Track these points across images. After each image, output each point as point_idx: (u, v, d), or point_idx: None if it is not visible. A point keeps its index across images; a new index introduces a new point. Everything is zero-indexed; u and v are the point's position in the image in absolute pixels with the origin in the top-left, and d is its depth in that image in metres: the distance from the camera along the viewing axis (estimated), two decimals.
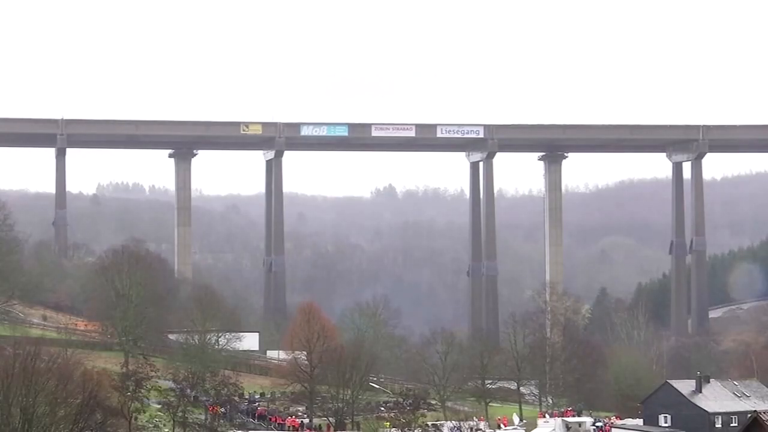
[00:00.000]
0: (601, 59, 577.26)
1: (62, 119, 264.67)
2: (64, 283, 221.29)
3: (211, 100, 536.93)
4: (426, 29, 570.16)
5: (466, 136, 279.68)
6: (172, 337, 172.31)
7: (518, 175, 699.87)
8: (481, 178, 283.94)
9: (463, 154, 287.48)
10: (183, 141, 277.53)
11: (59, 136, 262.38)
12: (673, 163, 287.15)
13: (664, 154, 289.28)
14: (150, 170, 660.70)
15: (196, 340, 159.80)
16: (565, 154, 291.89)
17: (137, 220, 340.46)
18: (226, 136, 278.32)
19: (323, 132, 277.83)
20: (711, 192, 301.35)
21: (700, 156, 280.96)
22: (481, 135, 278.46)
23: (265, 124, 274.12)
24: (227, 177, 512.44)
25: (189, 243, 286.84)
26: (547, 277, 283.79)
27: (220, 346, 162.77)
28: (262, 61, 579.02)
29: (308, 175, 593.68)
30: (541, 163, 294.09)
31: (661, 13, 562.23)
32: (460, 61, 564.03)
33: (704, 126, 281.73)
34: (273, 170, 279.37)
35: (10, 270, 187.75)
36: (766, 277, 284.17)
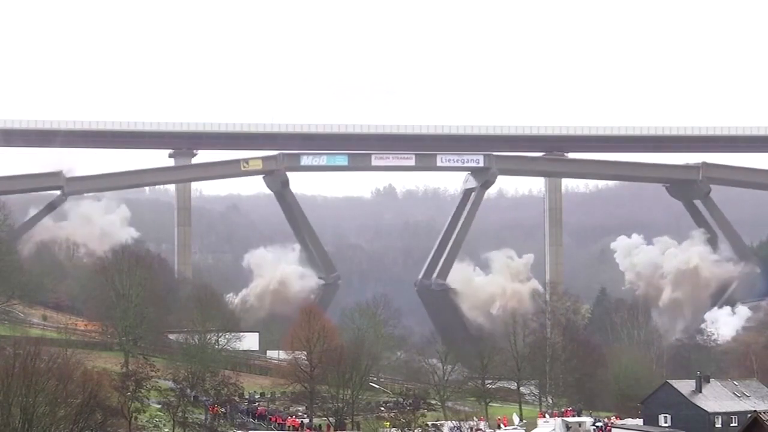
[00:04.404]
0: (601, 60, 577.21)
1: (63, 174, 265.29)
2: (64, 283, 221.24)
3: (210, 100, 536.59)
4: (426, 29, 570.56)
5: (465, 165, 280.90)
6: (172, 337, 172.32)
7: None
8: (468, 204, 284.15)
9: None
10: (183, 180, 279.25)
11: (60, 196, 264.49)
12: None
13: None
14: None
15: (196, 340, 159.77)
16: (565, 154, 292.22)
17: (137, 221, 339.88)
18: (228, 174, 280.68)
19: (323, 162, 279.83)
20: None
21: (704, 195, 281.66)
22: (481, 164, 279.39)
23: (265, 159, 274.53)
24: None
25: (189, 243, 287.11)
26: (547, 277, 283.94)
27: (220, 346, 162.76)
28: (261, 61, 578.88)
29: (308, 175, 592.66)
30: None
31: (661, 13, 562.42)
32: (459, 62, 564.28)
33: (704, 164, 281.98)
34: (287, 199, 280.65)
35: (10, 270, 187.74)
36: (766, 277, 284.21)
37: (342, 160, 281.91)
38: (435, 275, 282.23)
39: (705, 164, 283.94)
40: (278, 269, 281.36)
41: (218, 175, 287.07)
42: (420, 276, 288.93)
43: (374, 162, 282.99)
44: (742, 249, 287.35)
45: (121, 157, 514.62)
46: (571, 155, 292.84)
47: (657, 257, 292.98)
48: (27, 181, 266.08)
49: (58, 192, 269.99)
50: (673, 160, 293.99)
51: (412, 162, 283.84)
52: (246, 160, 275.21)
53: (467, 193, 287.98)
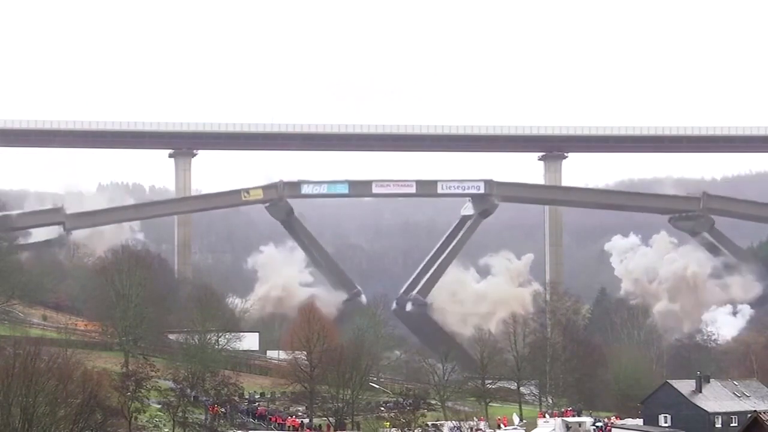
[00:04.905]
0: (601, 60, 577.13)
1: (64, 209, 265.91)
2: (64, 283, 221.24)
3: (210, 100, 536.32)
4: (426, 29, 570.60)
5: (466, 191, 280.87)
6: (172, 337, 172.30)
7: (518, 175, 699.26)
8: (463, 230, 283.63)
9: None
10: (184, 212, 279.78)
11: (61, 232, 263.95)
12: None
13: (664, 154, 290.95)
14: (150, 170, 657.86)
15: (196, 340, 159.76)
16: (565, 154, 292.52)
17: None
18: (228, 204, 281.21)
19: (324, 190, 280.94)
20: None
21: (706, 227, 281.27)
22: (482, 191, 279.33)
23: (265, 188, 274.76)
24: (227, 177, 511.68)
25: (189, 243, 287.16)
26: (547, 277, 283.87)
27: (220, 346, 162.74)
28: (261, 61, 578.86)
29: (308, 175, 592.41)
30: (541, 163, 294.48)
31: (661, 13, 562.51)
32: (460, 62, 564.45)
33: (705, 195, 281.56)
34: (294, 227, 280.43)
35: (10, 270, 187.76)
36: (766, 277, 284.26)
37: (343, 188, 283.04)
38: (416, 291, 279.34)
39: (706, 195, 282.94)
40: (283, 274, 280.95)
41: (219, 206, 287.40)
42: (401, 291, 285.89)
43: (375, 190, 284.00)
44: (754, 267, 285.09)
45: (121, 157, 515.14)
46: (571, 155, 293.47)
47: (654, 261, 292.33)
48: (28, 218, 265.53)
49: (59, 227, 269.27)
50: (673, 160, 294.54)
51: (412, 189, 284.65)
52: (246, 190, 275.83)
53: (464, 219, 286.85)
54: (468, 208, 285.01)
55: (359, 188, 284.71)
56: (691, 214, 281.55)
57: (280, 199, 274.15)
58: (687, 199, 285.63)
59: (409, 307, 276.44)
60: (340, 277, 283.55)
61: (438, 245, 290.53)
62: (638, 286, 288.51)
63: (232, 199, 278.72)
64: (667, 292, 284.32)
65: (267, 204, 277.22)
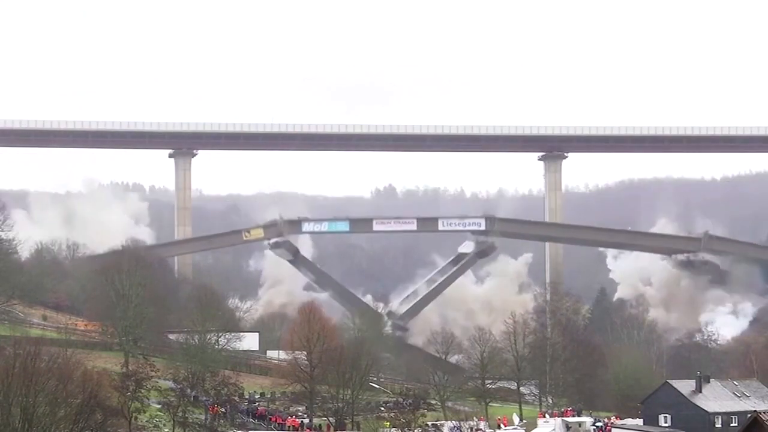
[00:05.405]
0: (601, 60, 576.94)
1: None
2: (64, 283, 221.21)
3: (210, 100, 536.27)
4: (426, 29, 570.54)
5: (467, 228, 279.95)
6: (172, 337, 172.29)
7: (518, 175, 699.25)
8: (458, 265, 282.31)
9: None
10: (185, 253, 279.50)
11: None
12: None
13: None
14: (150, 170, 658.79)
15: (196, 340, 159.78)
16: (565, 154, 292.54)
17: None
18: (229, 243, 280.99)
19: (324, 228, 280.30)
20: (711, 191, 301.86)
21: (718, 276, 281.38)
22: (483, 227, 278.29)
23: (266, 228, 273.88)
24: (227, 177, 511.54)
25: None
26: (547, 277, 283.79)
27: (220, 346, 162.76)
28: (261, 62, 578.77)
29: (308, 175, 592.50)
30: (541, 163, 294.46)
31: (661, 13, 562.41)
32: (459, 62, 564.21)
33: (706, 235, 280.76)
34: (305, 265, 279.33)
35: (10, 270, 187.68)
36: (766, 276, 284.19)
37: (343, 226, 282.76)
38: (403, 311, 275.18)
39: (707, 235, 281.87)
40: (287, 281, 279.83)
41: (221, 246, 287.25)
42: (386, 310, 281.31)
43: (376, 227, 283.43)
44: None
45: (121, 157, 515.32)
46: (571, 155, 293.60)
47: (649, 264, 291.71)
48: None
49: None
50: (673, 160, 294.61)
51: (413, 226, 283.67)
52: (248, 230, 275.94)
53: (461, 255, 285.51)
54: (467, 246, 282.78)
55: (360, 226, 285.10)
56: (692, 258, 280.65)
57: (284, 242, 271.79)
58: (688, 239, 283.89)
59: (388, 329, 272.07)
60: (363, 307, 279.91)
61: (431, 275, 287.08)
62: (634, 290, 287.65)
63: (233, 239, 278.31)
64: (661, 301, 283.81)
65: (271, 244, 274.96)
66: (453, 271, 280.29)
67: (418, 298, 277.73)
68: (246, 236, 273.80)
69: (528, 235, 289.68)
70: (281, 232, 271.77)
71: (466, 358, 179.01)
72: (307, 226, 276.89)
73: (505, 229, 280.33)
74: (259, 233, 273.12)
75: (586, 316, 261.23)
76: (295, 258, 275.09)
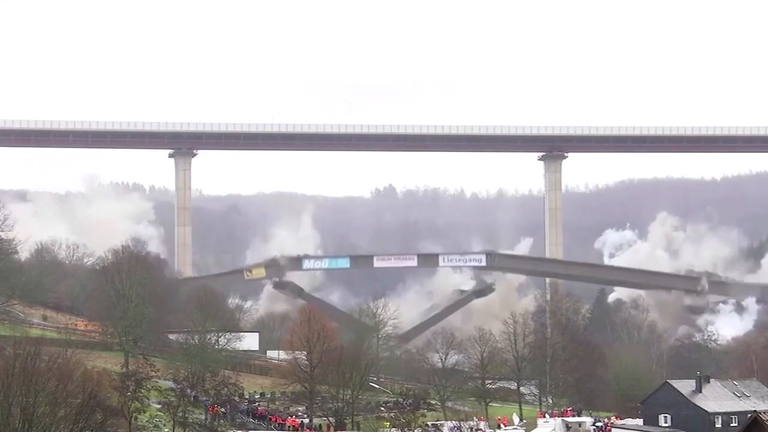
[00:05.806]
0: (601, 60, 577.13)
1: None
2: (64, 283, 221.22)
3: (210, 100, 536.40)
4: (426, 28, 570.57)
5: (468, 264, 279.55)
6: (172, 337, 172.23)
7: (518, 175, 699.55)
8: (454, 300, 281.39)
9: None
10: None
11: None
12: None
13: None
14: (150, 170, 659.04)
15: (196, 340, 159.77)
16: (565, 154, 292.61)
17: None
18: (231, 282, 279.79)
19: (325, 265, 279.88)
20: (711, 191, 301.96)
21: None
22: (483, 263, 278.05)
23: (267, 267, 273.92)
24: (227, 177, 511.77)
25: (189, 243, 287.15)
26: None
27: (220, 346, 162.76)
28: (261, 61, 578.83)
29: (308, 175, 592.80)
30: (541, 163, 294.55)
31: (662, 13, 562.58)
32: (459, 62, 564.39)
33: (706, 275, 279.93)
34: (309, 300, 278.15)
35: (10, 270, 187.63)
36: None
37: (344, 263, 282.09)
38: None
39: (707, 274, 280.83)
40: None
41: (221, 285, 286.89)
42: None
43: (376, 263, 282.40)
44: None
45: (121, 157, 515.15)
46: (571, 155, 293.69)
47: (645, 261, 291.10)
48: None
49: None
50: (673, 160, 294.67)
51: (414, 263, 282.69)
52: (249, 269, 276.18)
53: (459, 292, 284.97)
54: (466, 284, 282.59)
55: (360, 262, 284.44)
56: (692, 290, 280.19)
57: (288, 282, 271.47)
58: (688, 278, 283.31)
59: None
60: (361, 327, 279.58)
61: (427, 306, 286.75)
62: (631, 291, 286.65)
63: (234, 278, 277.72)
64: (656, 308, 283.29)
65: (273, 283, 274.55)
66: (449, 305, 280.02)
67: (414, 325, 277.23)
68: (248, 275, 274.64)
69: (528, 271, 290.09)
70: (282, 270, 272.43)
71: (466, 358, 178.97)
72: (307, 263, 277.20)
73: (505, 264, 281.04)
74: (261, 272, 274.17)
75: (586, 316, 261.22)
76: (300, 296, 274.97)
